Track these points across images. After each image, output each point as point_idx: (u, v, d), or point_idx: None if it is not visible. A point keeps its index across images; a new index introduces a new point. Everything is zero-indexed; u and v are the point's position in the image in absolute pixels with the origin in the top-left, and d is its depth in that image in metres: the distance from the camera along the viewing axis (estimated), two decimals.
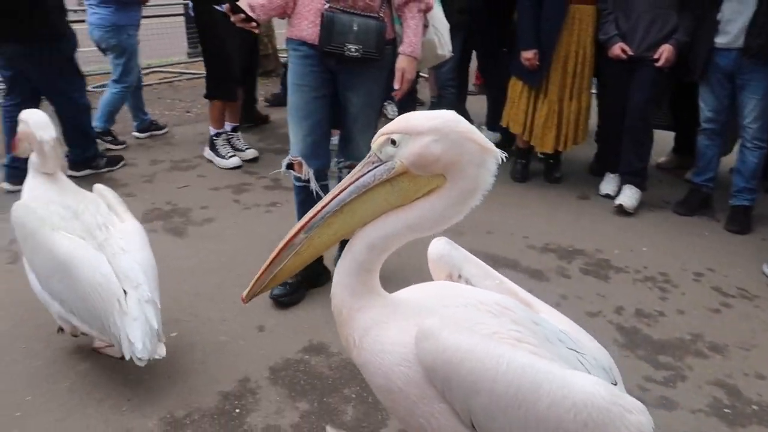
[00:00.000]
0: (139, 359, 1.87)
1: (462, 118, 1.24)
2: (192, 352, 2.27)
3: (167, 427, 1.91)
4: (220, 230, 3.26)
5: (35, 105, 3.38)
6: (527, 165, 4.10)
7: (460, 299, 1.34)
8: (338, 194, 1.26)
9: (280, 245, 1.28)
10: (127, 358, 1.90)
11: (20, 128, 2.23)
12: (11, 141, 2.54)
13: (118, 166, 4.06)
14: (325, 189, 2.48)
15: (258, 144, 4.61)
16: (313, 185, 2.48)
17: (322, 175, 2.54)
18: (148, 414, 1.96)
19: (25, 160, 2.25)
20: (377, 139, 1.25)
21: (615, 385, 1.32)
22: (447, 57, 2.88)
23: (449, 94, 4.49)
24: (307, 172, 2.48)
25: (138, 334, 1.89)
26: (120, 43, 4.24)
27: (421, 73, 5.23)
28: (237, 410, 2.00)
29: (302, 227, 1.27)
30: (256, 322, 2.45)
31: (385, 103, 4.69)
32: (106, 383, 2.08)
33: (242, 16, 2.26)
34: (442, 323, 1.22)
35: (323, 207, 1.26)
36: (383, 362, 1.26)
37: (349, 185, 1.26)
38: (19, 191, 2.30)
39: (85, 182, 2.70)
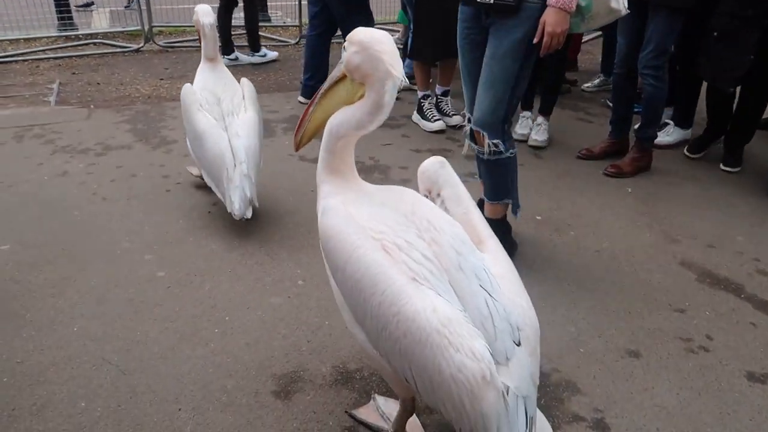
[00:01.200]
0: (236, 215, 2.62)
1: (385, 40, 1.42)
2: None
3: (338, 376, 1.97)
4: (414, 188, 3.26)
5: (331, 35, 4.50)
6: None
7: (391, 203, 1.49)
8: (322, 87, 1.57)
9: (302, 116, 1.59)
10: (229, 210, 2.66)
11: (193, 18, 2.96)
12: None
13: None
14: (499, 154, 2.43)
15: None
16: (468, 145, 2.57)
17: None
18: (323, 359, 2.04)
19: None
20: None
21: (518, 345, 1.34)
22: (623, 13, 2.36)
23: (649, 84, 3.43)
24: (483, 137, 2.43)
25: (236, 197, 2.62)
26: None
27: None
28: None
29: (309, 104, 1.58)
30: None
31: None
32: (290, 322, 2.21)
33: None
34: (333, 207, 1.47)
35: (318, 93, 1.57)
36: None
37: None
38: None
39: None
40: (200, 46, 3.00)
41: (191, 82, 2.93)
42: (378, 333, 1.38)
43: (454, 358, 1.27)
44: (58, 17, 6.56)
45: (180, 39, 6.67)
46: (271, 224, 2.87)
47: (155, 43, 6.30)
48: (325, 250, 1.48)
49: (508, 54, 2.28)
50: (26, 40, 6.26)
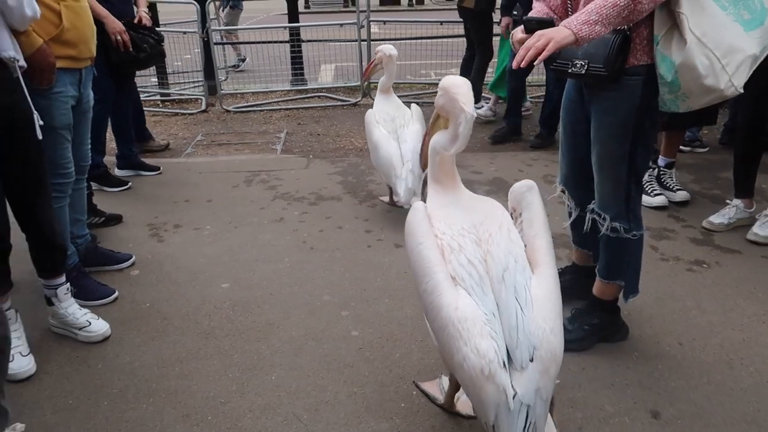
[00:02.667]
0: (401, 202, 3.42)
1: (461, 83, 1.72)
2: None
3: None
4: None
5: None
6: None
7: (469, 211, 1.76)
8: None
9: (422, 144, 2.06)
10: (395, 200, 3.52)
11: (377, 56, 3.71)
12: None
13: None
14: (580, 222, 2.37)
15: (692, 185, 4.02)
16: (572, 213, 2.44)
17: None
18: None
19: None
20: None
21: (531, 361, 1.52)
22: (727, 93, 1.89)
23: None
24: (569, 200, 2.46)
25: (402, 188, 3.36)
26: None
27: None
28: None
29: (425, 135, 1.99)
30: None
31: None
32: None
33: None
34: (417, 208, 1.77)
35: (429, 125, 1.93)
36: None
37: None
38: None
39: None
40: (407, 102, 3.57)
41: None
42: (428, 320, 1.71)
43: (462, 350, 1.54)
44: (292, 72, 7.37)
45: (397, 94, 7.03)
46: None
47: (370, 97, 6.72)
48: (405, 239, 1.80)
49: (610, 137, 2.08)
50: (265, 92, 7.12)
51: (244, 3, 9.22)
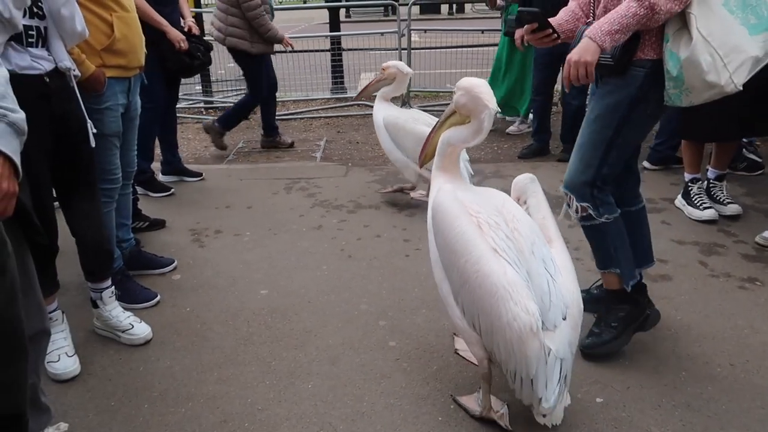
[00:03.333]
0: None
1: (482, 83, 1.92)
2: None
3: None
4: (675, 292, 2.82)
5: None
6: None
7: (487, 196, 1.99)
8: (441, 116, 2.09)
9: (425, 141, 2.16)
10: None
11: (390, 71, 3.82)
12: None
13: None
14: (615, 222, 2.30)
15: (743, 199, 3.87)
16: (564, 210, 2.46)
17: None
18: None
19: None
20: None
21: (564, 319, 1.79)
22: (727, 90, 1.97)
23: None
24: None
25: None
26: None
27: None
28: None
29: (430, 132, 2.13)
30: None
31: None
32: None
33: (542, 36, 2.22)
34: (446, 190, 1.97)
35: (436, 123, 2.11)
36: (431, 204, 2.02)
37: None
38: None
39: None
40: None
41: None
42: (460, 285, 1.86)
43: (512, 309, 1.72)
44: (332, 81, 7.43)
45: (433, 103, 7.03)
46: None
47: (410, 105, 6.72)
48: (434, 219, 1.97)
49: (599, 118, 2.18)
50: (305, 100, 7.20)
51: (285, 12, 9.35)
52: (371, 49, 7.46)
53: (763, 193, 4.00)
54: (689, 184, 3.72)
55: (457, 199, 1.91)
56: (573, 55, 2.02)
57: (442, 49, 7.72)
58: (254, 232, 3.57)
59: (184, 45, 3.81)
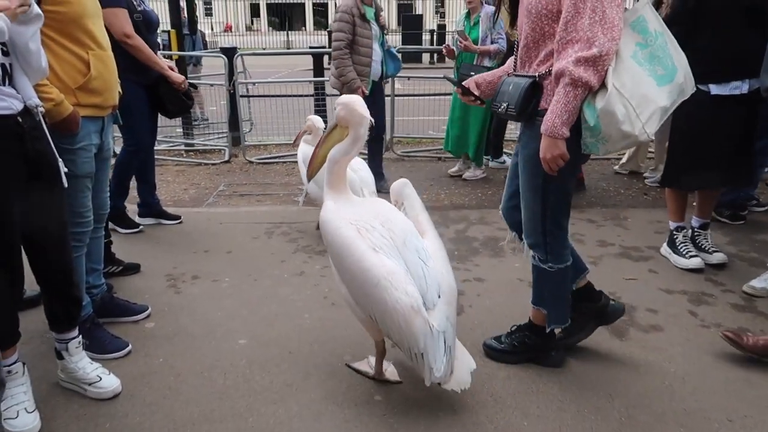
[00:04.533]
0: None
1: (357, 99, 2.26)
2: None
3: None
4: (667, 343, 2.75)
5: None
6: None
7: (367, 206, 2.29)
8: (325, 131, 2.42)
9: (312, 155, 2.39)
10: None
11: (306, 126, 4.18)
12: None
13: None
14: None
15: (728, 248, 3.86)
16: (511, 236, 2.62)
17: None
18: None
19: None
20: None
21: (439, 297, 2.11)
22: (641, 139, 2.07)
23: None
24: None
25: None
26: None
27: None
28: None
29: (316, 146, 2.38)
30: None
31: None
32: None
33: (471, 97, 2.46)
34: (328, 207, 2.25)
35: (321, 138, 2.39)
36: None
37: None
38: None
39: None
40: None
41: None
42: (351, 284, 2.16)
43: (393, 295, 2.01)
44: None
45: (416, 149, 7.04)
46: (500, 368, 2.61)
47: (393, 152, 6.72)
48: (322, 233, 2.26)
49: (525, 168, 2.28)
50: (287, 144, 7.16)
51: (270, 58, 9.43)
52: None
53: (746, 241, 4.00)
54: (674, 232, 3.71)
55: (338, 212, 2.21)
56: (544, 154, 2.09)
57: (424, 96, 7.81)
58: (233, 278, 3.45)
59: (185, 85, 3.80)
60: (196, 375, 2.49)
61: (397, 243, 2.12)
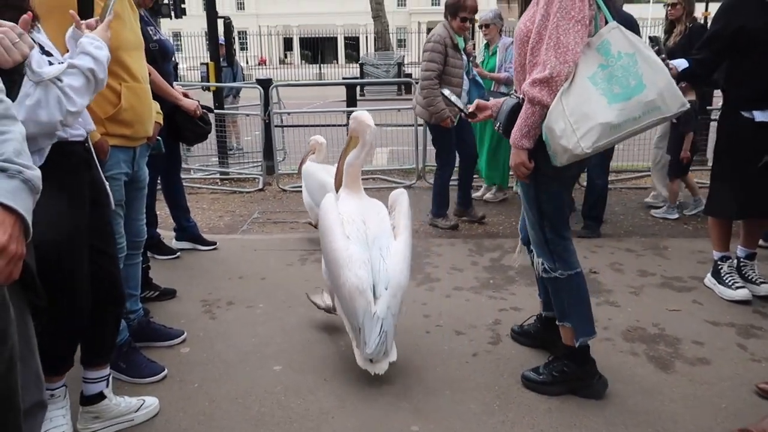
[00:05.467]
0: None
1: (365, 114, 2.79)
2: None
3: None
4: (716, 377, 2.63)
5: None
6: None
7: (360, 205, 2.74)
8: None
9: (337, 167, 2.95)
10: None
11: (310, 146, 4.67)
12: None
13: None
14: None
15: None
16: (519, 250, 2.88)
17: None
18: None
19: None
20: None
21: (386, 289, 2.50)
22: (579, 153, 2.13)
23: None
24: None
25: None
26: None
27: None
28: None
29: (340, 158, 2.89)
30: None
31: None
32: None
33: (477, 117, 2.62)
34: (329, 199, 2.72)
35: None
36: None
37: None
38: None
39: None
40: None
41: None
42: (325, 258, 2.65)
43: (346, 274, 2.46)
44: None
45: None
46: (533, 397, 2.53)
47: (426, 180, 6.72)
48: (318, 217, 2.73)
49: (521, 182, 2.40)
50: None
51: (302, 89, 9.60)
52: (387, 125, 7.56)
53: None
54: (719, 262, 3.59)
55: (334, 204, 2.68)
56: (511, 162, 2.32)
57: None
58: (267, 305, 3.44)
59: (199, 111, 3.77)
60: (231, 401, 2.47)
61: (368, 238, 2.58)
